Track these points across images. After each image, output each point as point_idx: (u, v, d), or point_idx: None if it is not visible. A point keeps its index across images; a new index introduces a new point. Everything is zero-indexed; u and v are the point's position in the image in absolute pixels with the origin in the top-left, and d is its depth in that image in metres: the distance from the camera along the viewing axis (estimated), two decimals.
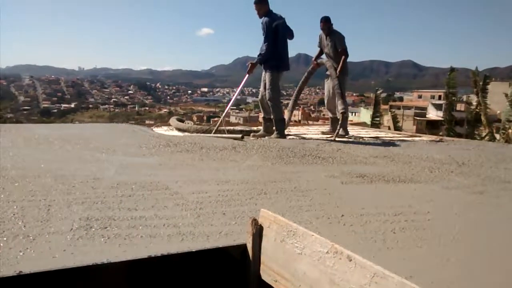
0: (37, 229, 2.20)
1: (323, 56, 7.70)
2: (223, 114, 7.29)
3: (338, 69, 7.17)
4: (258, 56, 6.56)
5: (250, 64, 6.70)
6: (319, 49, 7.75)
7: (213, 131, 6.63)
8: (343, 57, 7.26)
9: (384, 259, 1.99)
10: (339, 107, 7.14)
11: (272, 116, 6.63)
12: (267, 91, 6.52)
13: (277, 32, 6.45)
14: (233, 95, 7.63)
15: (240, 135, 6.07)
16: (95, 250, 1.97)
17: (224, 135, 6.26)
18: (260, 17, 6.50)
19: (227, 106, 7.64)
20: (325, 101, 7.83)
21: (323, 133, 7.84)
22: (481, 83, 15.82)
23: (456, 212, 2.87)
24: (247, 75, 6.90)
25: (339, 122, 7.17)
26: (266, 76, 6.57)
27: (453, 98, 18.16)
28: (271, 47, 6.41)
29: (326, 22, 7.45)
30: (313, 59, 7.87)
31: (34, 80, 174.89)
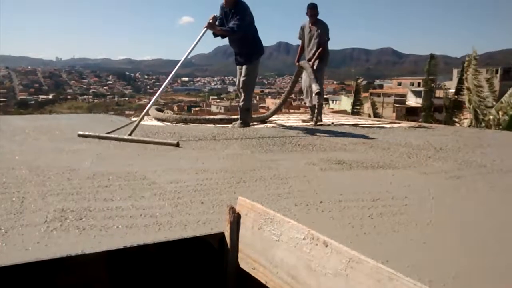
0: (10, 222, 2.15)
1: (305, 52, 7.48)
2: (145, 110, 6.04)
3: (313, 60, 7.10)
4: (227, 28, 6.09)
5: (212, 21, 6.07)
6: (300, 41, 7.54)
7: (130, 133, 5.07)
8: (320, 49, 7.15)
9: (361, 244, 2.00)
10: (314, 87, 6.85)
11: (240, 104, 6.53)
12: (242, 78, 6.38)
13: (253, 20, 6.32)
14: (168, 77, 6.02)
15: (175, 142, 4.57)
16: (69, 241, 1.93)
17: (156, 141, 4.79)
18: (229, 5, 6.15)
19: (152, 99, 6.28)
20: (303, 91, 7.74)
21: (303, 121, 7.85)
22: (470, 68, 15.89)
23: (433, 196, 2.90)
24: (204, 29, 6.06)
25: (316, 105, 7.19)
26: (243, 68, 6.39)
27: (432, 85, 18.36)
28: (239, 34, 6.11)
29: (313, 9, 7.26)
30: (296, 59, 7.62)
31: (10, 71, 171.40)
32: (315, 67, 7.05)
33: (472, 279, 1.76)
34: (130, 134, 4.99)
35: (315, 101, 7.23)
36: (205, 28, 6.02)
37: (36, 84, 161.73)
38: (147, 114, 8.10)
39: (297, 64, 7.55)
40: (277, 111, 8.39)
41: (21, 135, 5.04)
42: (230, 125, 6.63)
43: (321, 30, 7.25)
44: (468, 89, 14.77)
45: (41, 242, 1.92)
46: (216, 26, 6.13)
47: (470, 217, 2.58)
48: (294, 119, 8.51)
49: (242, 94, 6.45)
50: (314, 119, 7.25)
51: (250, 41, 6.33)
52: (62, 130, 5.49)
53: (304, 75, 7.53)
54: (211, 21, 6.04)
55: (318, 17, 7.29)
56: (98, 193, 2.71)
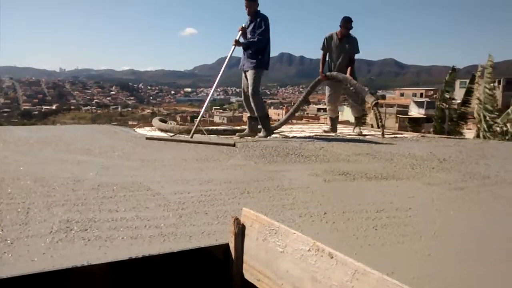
0: (15, 233, 2.16)
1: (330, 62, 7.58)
2: (199, 117, 7.04)
3: (348, 73, 7.26)
4: (248, 40, 6.43)
5: (242, 31, 6.53)
6: (322, 52, 7.57)
7: (191, 135, 6.21)
8: (352, 65, 7.36)
9: (366, 256, 1.99)
10: (370, 99, 7.29)
11: (257, 114, 6.59)
12: (250, 88, 6.44)
13: (269, 31, 6.47)
14: (216, 79, 7.22)
15: (232, 143, 5.54)
16: (75, 252, 1.94)
17: (215, 141, 5.76)
18: (250, 14, 6.44)
19: (203, 104, 7.43)
20: (327, 103, 7.86)
21: (324, 131, 7.91)
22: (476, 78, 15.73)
23: (437, 208, 2.90)
24: (233, 47, 6.54)
25: (376, 113, 7.46)
26: (249, 74, 6.48)
27: (447, 96, 18.18)
28: (264, 43, 6.36)
29: (350, 23, 7.36)
30: (321, 69, 7.59)
31: (14, 82, 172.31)
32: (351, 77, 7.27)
33: None
34: (191, 137, 6.05)
35: (356, 113, 7.55)
36: (234, 46, 6.47)
37: (39, 94, 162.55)
38: (150, 125, 8.15)
39: (322, 75, 7.53)
40: (288, 121, 8.42)
41: (25, 146, 5.06)
42: (234, 136, 6.66)
43: (354, 44, 7.43)
44: (479, 99, 14.60)
45: (47, 253, 1.93)
46: (241, 42, 6.48)
47: (475, 229, 2.57)
48: (297, 129, 8.53)
49: (253, 103, 6.48)
50: (380, 127, 7.55)
51: (262, 49, 6.45)
52: (66, 141, 5.51)
53: (329, 86, 7.64)
54: (240, 32, 6.48)
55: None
56: (103, 204, 2.72)
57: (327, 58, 7.56)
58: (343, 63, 7.37)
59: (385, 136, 7.24)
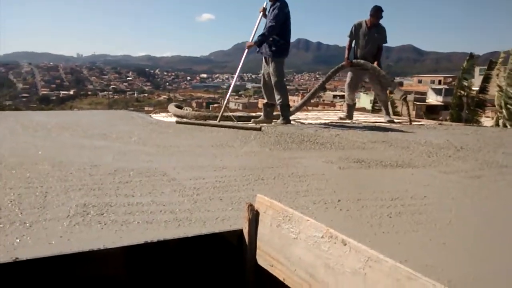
0: (34, 216, 2.21)
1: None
2: (225, 101, 7.19)
3: (376, 63, 7.22)
4: (265, 30, 6.41)
5: (262, 12, 6.66)
6: (348, 39, 7.50)
7: (218, 119, 6.44)
8: (380, 54, 7.36)
9: (379, 243, 1.99)
10: (399, 94, 7.63)
11: (278, 102, 6.59)
12: (272, 77, 6.47)
13: (288, 18, 6.47)
14: (234, 78, 7.49)
15: (259, 126, 5.72)
16: (91, 236, 1.98)
17: (242, 125, 5.94)
18: (272, 1, 6.44)
19: (227, 92, 7.52)
20: (347, 89, 7.84)
21: (340, 118, 7.89)
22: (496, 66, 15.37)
23: (453, 196, 2.87)
24: (245, 51, 6.78)
25: (387, 107, 7.67)
26: (271, 64, 6.49)
27: (465, 84, 17.88)
28: (278, 28, 6.34)
29: (380, 12, 7.34)
30: (346, 55, 7.52)
31: (33, 67, 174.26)
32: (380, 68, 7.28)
33: (492, 281, 1.75)
34: (219, 121, 6.28)
35: (382, 102, 7.85)
36: (247, 49, 6.72)
37: (57, 80, 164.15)
38: (166, 111, 8.19)
39: (348, 61, 7.46)
40: (304, 106, 8.41)
41: (43, 131, 5.13)
42: (250, 123, 6.67)
43: (383, 33, 7.43)
44: (500, 86, 14.27)
45: (64, 236, 1.96)
46: (253, 41, 6.52)
47: (491, 218, 2.55)
48: (313, 116, 8.50)
49: (277, 92, 6.50)
50: (387, 117, 7.60)
51: (280, 35, 6.44)
52: (83, 127, 5.58)
53: (352, 72, 7.61)
54: (261, 13, 6.66)
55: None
56: (119, 189, 2.76)
57: (353, 45, 7.51)
58: (370, 52, 7.32)
59: (412, 123, 7.43)
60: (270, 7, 6.46)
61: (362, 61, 7.28)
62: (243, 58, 6.93)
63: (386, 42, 7.53)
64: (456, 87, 18.21)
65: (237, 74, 7.46)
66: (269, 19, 6.35)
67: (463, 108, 17.27)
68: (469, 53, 17.95)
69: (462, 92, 17.20)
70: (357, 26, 7.41)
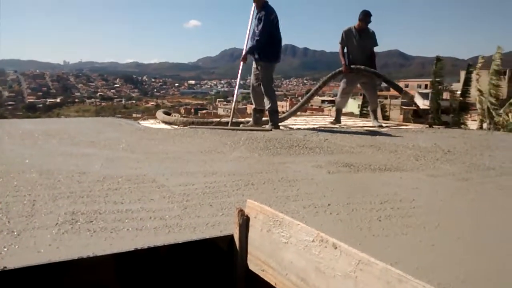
0: (22, 225, 2.18)
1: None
2: (232, 108, 7.26)
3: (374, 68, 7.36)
4: (252, 43, 6.50)
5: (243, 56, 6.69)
6: (340, 46, 7.53)
7: (229, 124, 6.63)
8: (374, 58, 7.49)
9: (370, 247, 2.00)
10: (407, 96, 7.92)
11: (267, 107, 6.60)
12: (262, 83, 6.49)
13: (275, 24, 6.52)
14: (235, 87, 7.49)
15: (270, 128, 6.02)
16: (80, 244, 1.96)
17: (252, 128, 6.14)
18: (258, 8, 6.48)
19: (233, 100, 7.46)
20: (341, 94, 7.85)
21: (331, 123, 7.96)
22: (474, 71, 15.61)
23: (441, 199, 2.90)
24: (241, 63, 6.81)
25: (375, 112, 7.80)
26: (260, 68, 6.52)
27: (440, 87, 18.16)
28: (266, 38, 6.39)
29: (369, 17, 7.40)
30: (343, 62, 7.43)
31: (18, 75, 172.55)
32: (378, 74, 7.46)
33: (482, 282, 1.76)
34: (230, 125, 6.49)
35: (373, 107, 7.91)
36: (242, 62, 6.76)
37: (44, 87, 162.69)
38: (154, 117, 8.16)
39: (346, 68, 7.41)
40: (296, 112, 8.44)
41: (30, 139, 5.08)
42: (238, 128, 6.67)
43: (373, 37, 7.54)
44: (480, 91, 14.49)
45: (53, 244, 1.94)
46: (245, 55, 6.63)
47: (479, 220, 2.57)
48: (301, 121, 8.52)
49: (266, 97, 6.54)
50: (376, 122, 7.67)
51: (268, 42, 6.48)
52: (70, 134, 5.53)
53: (345, 78, 7.63)
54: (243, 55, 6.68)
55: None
56: (108, 196, 2.74)
57: (345, 51, 7.55)
58: (364, 57, 7.38)
59: (433, 126, 7.72)
60: (257, 14, 6.50)
61: (362, 67, 7.31)
62: (240, 70, 7.02)
63: (377, 44, 7.64)
64: (433, 91, 18.48)
65: (237, 84, 7.48)
66: (257, 29, 6.41)
67: (445, 112, 17.46)
68: (455, 58, 18.22)
69: (444, 96, 17.46)
70: (347, 32, 7.45)
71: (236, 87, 7.67)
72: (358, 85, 7.87)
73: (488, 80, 14.29)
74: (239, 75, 7.22)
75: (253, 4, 6.58)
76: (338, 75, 7.70)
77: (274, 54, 6.62)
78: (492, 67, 14.32)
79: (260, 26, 6.37)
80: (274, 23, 6.50)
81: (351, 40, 7.41)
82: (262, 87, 6.51)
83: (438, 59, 18.02)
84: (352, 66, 7.38)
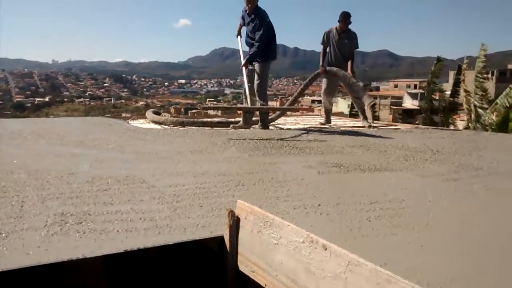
0: (10, 226, 2.16)
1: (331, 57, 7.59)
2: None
3: (349, 70, 7.33)
4: (253, 50, 6.53)
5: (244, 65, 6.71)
6: (322, 46, 7.59)
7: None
8: (352, 60, 7.44)
9: (359, 247, 2.01)
10: (368, 100, 7.60)
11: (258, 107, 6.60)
12: (257, 82, 6.48)
13: (271, 25, 6.59)
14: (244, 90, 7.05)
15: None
16: (70, 245, 1.95)
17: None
18: (251, 11, 6.49)
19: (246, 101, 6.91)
20: (323, 95, 7.95)
21: (321, 123, 7.97)
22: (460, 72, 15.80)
23: (430, 199, 2.92)
24: (244, 69, 6.71)
25: (364, 112, 7.69)
26: (257, 67, 6.51)
27: (436, 87, 18.24)
28: (265, 42, 6.46)
29: (349, 17, 7.43)
30: (321, 63, 7.57)
31: (6, 74, 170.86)
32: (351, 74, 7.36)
33: (470, 282, 1.78)
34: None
35: (360, 107, 7.81)
36: (244, 67, 6.68)
37: (32, 86, 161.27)
38: (144, 117, 8.12)
39: (322, 69, 7.54)
40: (284, 113, 8.46)
41: (18, 139, 5.03)
42: (229, 128, 6.66)
43: (353, 39, 7.51)
44: (466, 91, 14.66)
45: (42, 246, 1.93)
46: (247, 58, 6.68)
47: (467, 220, 2.60)
48: (292, 121, 8.54)
49: (258, 96, 6.54)
50: (365, 122, 7.65)
51: (266, 43, 6.54)
52: (59, 134, 5.49)
53: (325, 79, 7.72)
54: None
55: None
56: (98, 197, 2.72)
57: (327, 51, 7.59)
58: (343, 58, 7.42)
59: (375, 127, 7.54)
60: (249, 16, 6.52)
61: (335, 68, 7.39)
62: (245, 76, 6.76)
63: (357, 47, 7.63)
64: (427, 91, 18.59)
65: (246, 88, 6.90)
66: (252, 34, 6.47)
67: (435, 112, 17.60)
68: (445, 58, 18.35)
69: (434, 96, 17.58)
70: (328, 33, 7.52)
71: (246, 90, 6.81)
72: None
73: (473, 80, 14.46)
74: (245, 81, 6.69)
75: (245, 6, 6.55)
76: (317, 76, 7.83)
77: (272, 52, 6.67)
78: (477, 65, 14.49)
79: (258, 32, 6.42)
80: (271, 25, 6.59)
81: (331, 41, 7.49)
82: (257, 85, 6.50)
83: (439, 59, 18.07)
84: (327, 68, 7.49)
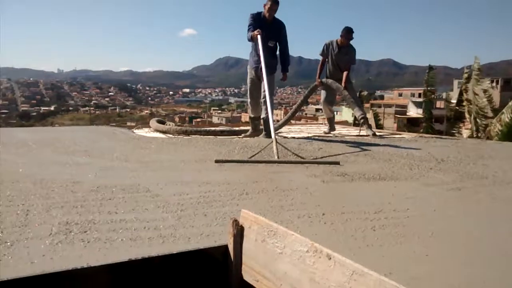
0: (15, 235, 2.17)
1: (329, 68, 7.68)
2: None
3: (343, 83, 7.38)
4: (286, 62, 6.76)
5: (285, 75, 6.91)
6: (321, 58, 7.68)
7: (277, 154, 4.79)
8: (347, 72, 7.47)
9: (364, 257, 2.01)
10: (357, 113, 7.54)
11: (263, 115, 6.61)
12: (269, 90, 6.49)
13: None
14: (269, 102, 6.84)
15: (338, 161, 4.52)
16: (75, 254, 1.95)
17: (316, 161, 4.63)
18: (271, 18, 6.51)
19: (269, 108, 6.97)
20: (322, 105, 8.06)
21: (325, 132, 8.00)
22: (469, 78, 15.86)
23: (435, 208, 2.91)
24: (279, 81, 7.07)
25: (364, 124, 7.58)
26: (266, 77, 6.49)
27: (432, 96, 18.31)
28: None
29: (351, 33, 7.48)
30: (318, 74, 7.73)
31: (12, 83, 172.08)
32: (344, 86, 7.41)
33: None
34: (278, 157, 4.66)
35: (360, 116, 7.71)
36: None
37: (38, 96, 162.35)
38: (149, 126, 8.14)
39: (319, 80, 7.67)
40: (287, 123, 8.50)
41: (24, 148, 5.06)
42: (239, 137, 6.71)
43: (352, 55, 7.57)
44: (468, 100, 14.75)
45: (47, 255, 1.93)
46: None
47: (472, 229, 2.58)
48: (296, 130, 8.55)
49: (267, 105, 6.56)
50: (370, 131, 7.56)
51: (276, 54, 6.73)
52: (64, 143, 5.52)
53: (323, 88, 7.80)
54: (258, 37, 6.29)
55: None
56: (102, 206, 2.73)
57: (326, 63, 7.67)
58: (339, 72, 7.50)
59: (379, 135, 7.50)
60: (268, 24, 6.50)
61: (330, 80, 7.50)
62: (275, 89, 7.05)
63: (354, 63, 7.71)
64: (424, 100, 18.65)
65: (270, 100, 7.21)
66: (271, 43, 6.54)
67: (438, 121, 17.60)
68: (449, 67, 18.45)
69: (437, 105, 17.68)
70: (328, 45, 7.60)
71: (266, 86, 6.44)
72: None
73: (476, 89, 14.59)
74: (267, 92, 6.28)
75: (264, 13, 6.48)
76: (315, 88, 7.96)
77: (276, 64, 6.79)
78: (473, 77, 14.67)
79: (283, 40, 6.63)
80: None
81: (330, 53, 7.58)
82: (266, 94, 6.50)
83: (431, 68, 18.17)
84: (323, 80, 7.60)
